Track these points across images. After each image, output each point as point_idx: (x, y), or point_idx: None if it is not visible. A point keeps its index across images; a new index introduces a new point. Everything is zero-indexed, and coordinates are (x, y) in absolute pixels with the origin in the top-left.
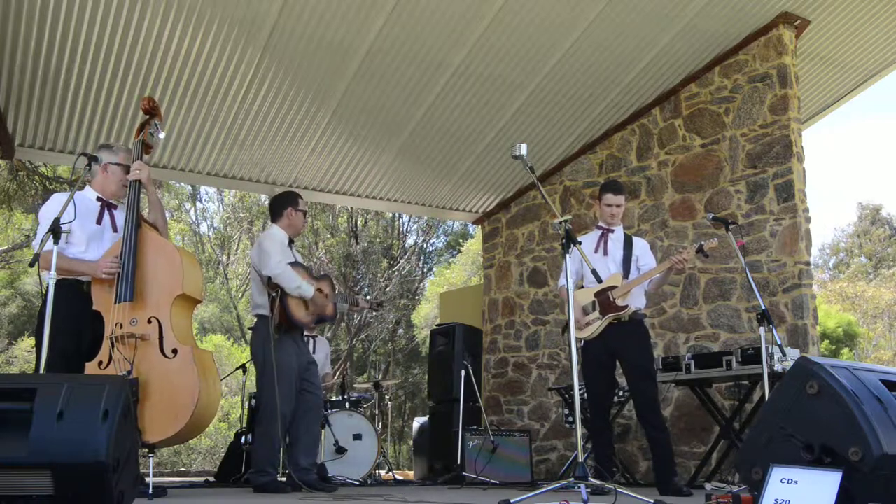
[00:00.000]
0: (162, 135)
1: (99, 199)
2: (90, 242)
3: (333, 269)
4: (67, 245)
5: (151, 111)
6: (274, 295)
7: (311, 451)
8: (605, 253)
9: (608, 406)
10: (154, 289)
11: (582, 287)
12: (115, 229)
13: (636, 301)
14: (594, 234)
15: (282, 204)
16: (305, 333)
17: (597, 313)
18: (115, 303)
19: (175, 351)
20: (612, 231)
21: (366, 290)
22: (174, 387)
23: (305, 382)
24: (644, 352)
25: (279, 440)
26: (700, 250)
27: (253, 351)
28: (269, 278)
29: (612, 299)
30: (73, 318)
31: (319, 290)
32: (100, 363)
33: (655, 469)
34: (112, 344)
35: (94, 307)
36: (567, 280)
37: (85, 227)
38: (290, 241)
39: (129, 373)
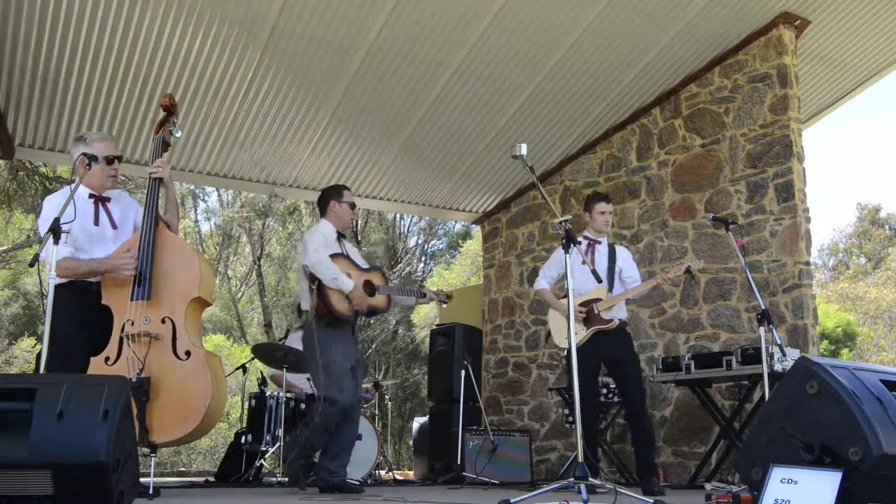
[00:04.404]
0: (180, 133)
1: (91, 195)
2: (94, 245)
3: None
4: (76, 252)
5: (171, 108)
6: (312, 287)
7: (341, 454)
8: (592, 264)
9: (595, 405)
10: (169, 289)
11: (564, 296)
12: (113, 225)
13: (619, 312)
14: (581, 245)
15: (326, 199)
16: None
17: (581, 324)
18: (132, 300)
19: (188, 353)
20: (599, 242)
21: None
22: (186, 389)
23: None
24: (635, 358)
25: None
26: (688, 271)
27: (303, 347)
28: (307, 269)
29: (596, 312)
30: (93, 316)
31: (368, 283)
32: (106, 359)
33: (639, 469)
34: (122, 342)
35: (104, 302)
36: (567, 280)
37: (85, 231)
38: (341, 235)
39: (141, 371)
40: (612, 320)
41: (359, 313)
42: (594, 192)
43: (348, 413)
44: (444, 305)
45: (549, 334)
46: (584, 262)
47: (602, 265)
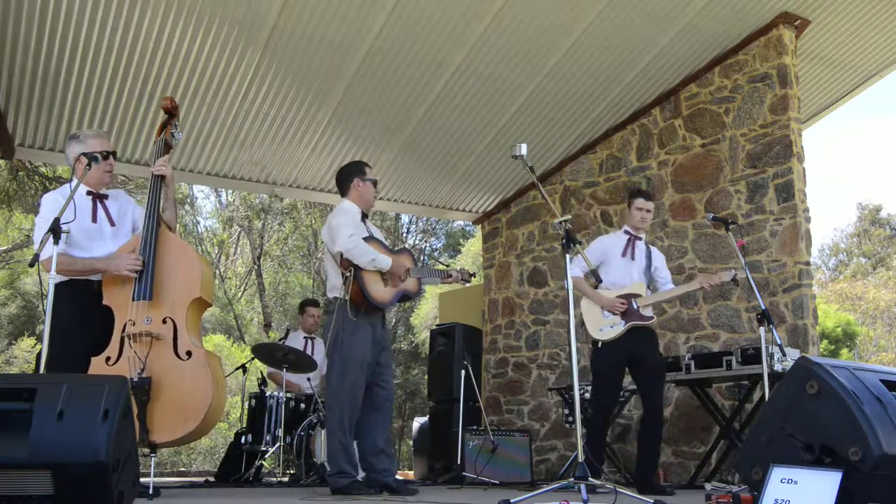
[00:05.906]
0: (181, 135)
1: (89, 192)
2: (93, 242)
3: None
4: (72, 248)
5: (172, 111)
6: (347, 274)
7: (384, 451)
8: (633, 258)
9: (613, 407)
10: (171, 290)
11: (597, 287)
12: (111, 223)
13: (649, 310)
14: (621, 238)
15: (347, 176)
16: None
17: (618, 317)
18: (133, 300)
19: (189, 353)
20: (640, 238)
21: None
22: (187, 389)
23: (378, 373)
24: (660, 355)
25: (349, 436)
26: (734, 279)
27: (325, 336)
28: (342, 256)
29: (636, 307)
30: (93, 315)
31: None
32: (107, 359)
33: (641, 466)
34: (123, 341)
35: (105, 302)
36: (567, 280)
37: (83, 228)
38: (364, 216)
39: (142, 371)
40: (652, 318)
41: (393, 300)
42: (637, 187)
43: (380, 405)
44: (467, 284)
45: (582, 324)
46: (623, 255)
47: (641, 262)
